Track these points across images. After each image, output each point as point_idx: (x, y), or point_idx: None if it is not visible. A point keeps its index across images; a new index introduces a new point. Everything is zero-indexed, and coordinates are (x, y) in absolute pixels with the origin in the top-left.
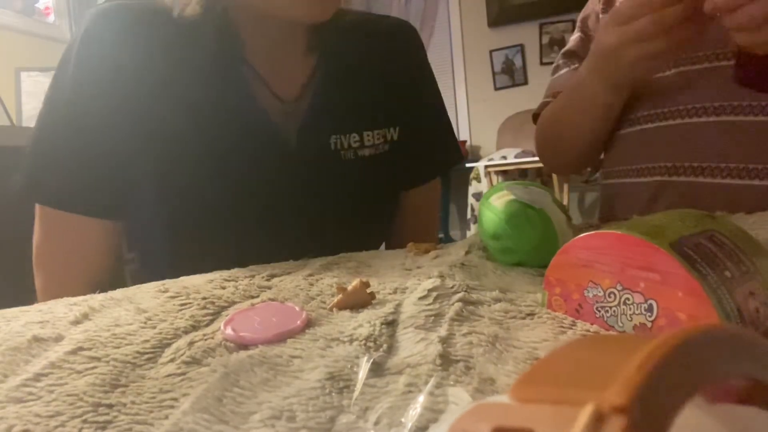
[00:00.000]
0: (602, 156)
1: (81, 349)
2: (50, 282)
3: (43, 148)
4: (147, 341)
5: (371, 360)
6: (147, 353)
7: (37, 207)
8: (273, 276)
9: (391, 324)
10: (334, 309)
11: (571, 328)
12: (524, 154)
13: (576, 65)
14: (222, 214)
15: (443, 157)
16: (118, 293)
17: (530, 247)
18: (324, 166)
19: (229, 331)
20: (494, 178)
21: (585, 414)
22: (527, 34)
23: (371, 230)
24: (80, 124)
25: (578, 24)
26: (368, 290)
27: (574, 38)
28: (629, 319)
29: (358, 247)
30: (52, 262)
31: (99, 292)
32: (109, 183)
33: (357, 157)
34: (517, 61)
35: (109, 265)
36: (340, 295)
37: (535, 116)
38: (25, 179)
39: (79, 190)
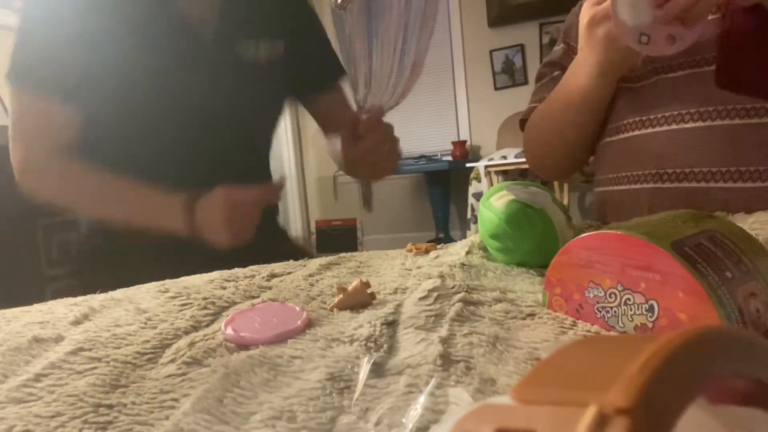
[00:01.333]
0: (591, 162)
1: (81, 349)
2: (26, 151)
3: (23, 49)
4: (147, 341)
5: (372, 360)
6: (147, 353)
7: (14, 93)
8: (273, 276)
9: (391, 324)
10: (335, 309)
11: (572, 329)
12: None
13: (558, 73)
14: (156, 96)
15: (331, 71)
16: (118, 293)
17: (530, 247)
18: (231, 62)
19: (229, 331)
20: (494, 178)
21: (588, 415)
22: (527, 34)
23: (265, 124)
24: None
25: (561, 36)
26: (369, 290)
27: (557, 49)
28: (630, 319)
29: (253, 138)
30: (25, 135)
31: (99, 292)
32: (72, 71)
33: (254, 56)
34: (518, 61)
35: (68, 146)
36: (341, 296)
37: (522, 122)
38: (12, 68)
39: (47, 76)
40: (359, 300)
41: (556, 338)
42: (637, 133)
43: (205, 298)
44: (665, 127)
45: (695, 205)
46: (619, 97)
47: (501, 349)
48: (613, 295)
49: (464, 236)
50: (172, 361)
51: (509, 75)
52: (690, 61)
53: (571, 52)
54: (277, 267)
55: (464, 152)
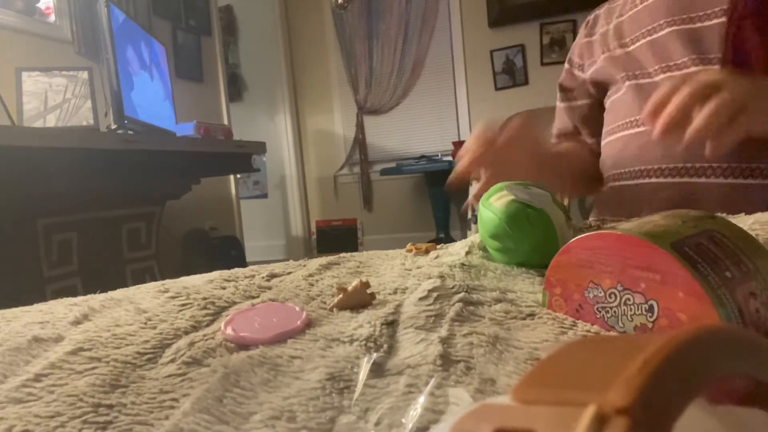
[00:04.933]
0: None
1: (81, 349)
2: None
3: None
4: (147, 341)
5: (372, 360)
6: (147, 353)
7: None
8: (273, 276)
9: (391, 324)
10: (335, 309)
11: (572, 329)
12: None
13: (567, 102)
14: None
15: None
16: (118, 293)
17: (530, 247)
18: None
19: (229, 331)
20: None
21: (587, 415)
22: (528, 35)
23: None
24: None
25: (568, 56)
26: (368, 290)
27: (564, 69)
28: (630, 319)
29: None
30: None
31: (99, 292)
32: None
33: None
34: (518, 62)
35: None
36: (341, 296)
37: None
38: None
39: None
40: (359, 300)
41: (556, 338)
42: (642, 129)
43: (204, 298)
44: None
45: (693, 200)
46: (627, 94)
47: (501, 349)
48: (612, 295)
49: (464, 236)
50: (172, 361)
51: (510, 75)
52: (695, 59)
53: (571, 71)
54: (276, 267)
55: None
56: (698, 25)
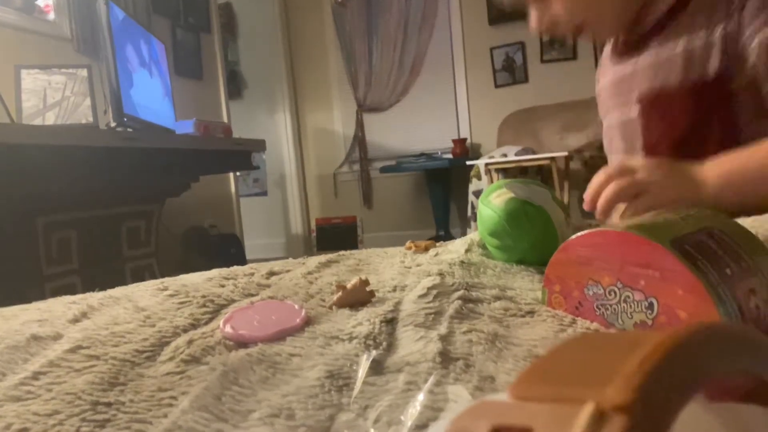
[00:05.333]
0: None
1: (80, 347)
2: None
3: None
4: (146, 339)
5: (371, 358)
6: (146, 351)
7: None
8: (272, 274)
9: (390, 322)
10: (334, 307)
11: (571, 326)
12: (524, 151)
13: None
14: None
15: None
16: (117, 291)
17: (529, 244)
18: None
19: (228, 329)
20: (494, 175)
21: (585, 412)
22: (528, 32)
23: None
24: None
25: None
26: (368, 288)
27: None
28: (629, 316)
29: None
30: None
31: (97, 290)
32: None
33: None
34: (518, 59)
35: None
36: (340, 293)
37: None
38: None
39: None
40: (358, 298)
41: (555, 336)
42: None
43: (203, 296)
44: None
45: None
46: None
47: (500, 347)
48: (612, 293)
49: (464, 234)
50: (171, 359)
51: (509, 72)
52: (627, 149)
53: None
54: (276, 265)
55: (464, 150)
56: (628, 113)
